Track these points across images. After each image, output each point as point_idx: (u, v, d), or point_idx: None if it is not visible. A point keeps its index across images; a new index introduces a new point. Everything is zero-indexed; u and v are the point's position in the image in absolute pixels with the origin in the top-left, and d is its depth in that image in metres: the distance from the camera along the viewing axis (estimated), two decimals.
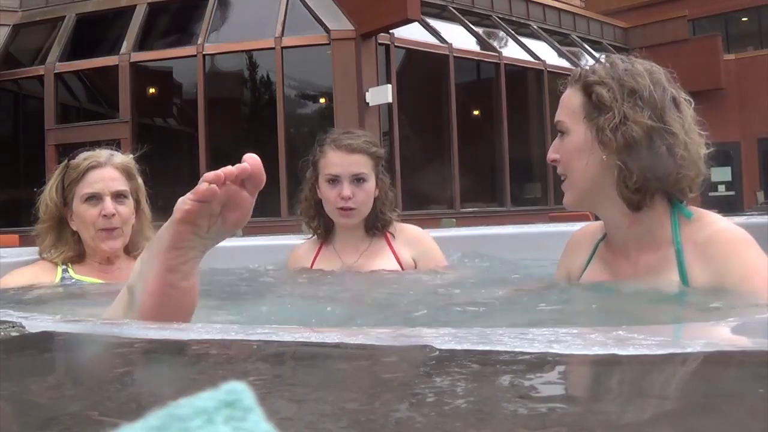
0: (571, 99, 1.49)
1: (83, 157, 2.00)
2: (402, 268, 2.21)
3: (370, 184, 2.17)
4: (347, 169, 2.14)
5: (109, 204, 1.95)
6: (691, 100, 1.47)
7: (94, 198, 1.96)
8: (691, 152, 1.40)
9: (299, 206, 2.30)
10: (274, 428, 0.35)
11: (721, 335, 0.84)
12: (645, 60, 1.49)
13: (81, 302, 1.85)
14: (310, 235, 2.33)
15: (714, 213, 1.49)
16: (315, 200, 2.23)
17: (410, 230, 2.32)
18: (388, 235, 2.26)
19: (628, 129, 1.37)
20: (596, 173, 1.43)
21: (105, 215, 1.95)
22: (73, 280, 1.99)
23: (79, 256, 2.03)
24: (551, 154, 1.52)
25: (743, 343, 0.80)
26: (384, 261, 2.21)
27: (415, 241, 2.29)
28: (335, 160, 2.15)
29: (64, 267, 2.01)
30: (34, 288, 1.91)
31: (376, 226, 2.23)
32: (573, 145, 1.45)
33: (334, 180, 2.15)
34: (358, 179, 2.15)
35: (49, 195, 2.01)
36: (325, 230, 2.26)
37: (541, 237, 2.48)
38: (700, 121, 1.46)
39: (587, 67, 1.50)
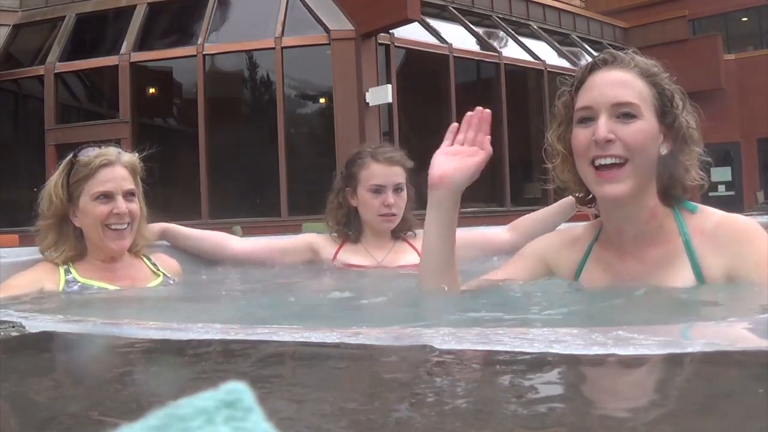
0: (638, 85, 1.43)
1: (94, 155, 1.98)
2: None
3: (406, 193, 2.44)
4: (390, 179, 2.38)
5: (121, 203, 1.95)
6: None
7: (105, 196, 1.95)
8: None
9: (330, 214, 2.50)
10: (274, 428, 0.35)
11: (722, 334, 0.84)
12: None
13: (88, 308, 1.84)
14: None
15: (714, 209, 1.50)
16: (349, 207, 2.45)
17: None
18: (409, 238, 2.50)
19: (688, 126, 1.43)
20: (653, 164, 1.44)
21: (117, 213, 1.95)
22: (79, 284, 1.96)
23: (80, 254, 2.01)
24: (607, 134, 1.37)
25: (745, 342, 0.80)
26: (408, 256, 2.42)
27: None
28: (379, 172, 2.39)
29: (66, 268, 1.98)
30: (40, 295, 1.89)
31: (402, 229, 2.48)
32: (648, 131, 1.41)
33: (378, 189, 2.38)
34: (398, 189, 2.40)
35: (54, 191, 1.98)
36: (357, 233, 2.47)
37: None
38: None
39: (628, 54, 1.48)
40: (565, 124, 1.51)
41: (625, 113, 1.40)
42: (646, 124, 1.41)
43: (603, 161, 1.40)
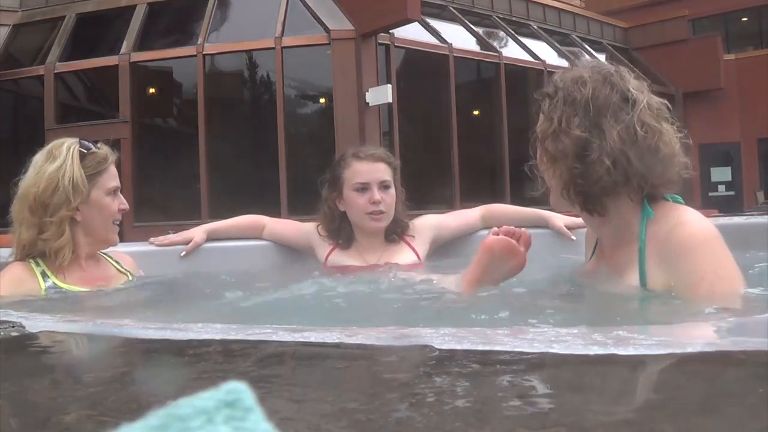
0: None
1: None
2: (420, 259, 2.39)
3: (393, 191, 2.36)
4: (375, 175, 2.32)
5: None
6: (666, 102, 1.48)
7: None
8: (631, 157, 1.38)
9: (320, 222, 2.44)
10: (274, 428, 0.35)
11: (718, 335, 0.84)
12: (604, 63, 1.51)
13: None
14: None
15: (685, 209, 1.44)
16: (338, 213, 2.39)
17: (421, 223, 2.51)
18: (407, 237, 2.42)
19: (560, 139, 1.40)
20: (557, 181, 1.46)
21: None
22: (55, 287, 1.92)
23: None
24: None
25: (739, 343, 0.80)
26: (403, 255, 2.37)
27: (427, 228, 2.48)
28: (363, 169, 2.32)
29: (41, 269, 1.96)
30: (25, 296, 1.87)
31: (395, 231, 2.40)
32: (542, 151, 1.48)
33: (363, 188, 2.31)
34: (384, 185, 2.33)
35: None
36: (347, 240, 2.40)
37: (539, 237, 2.47)
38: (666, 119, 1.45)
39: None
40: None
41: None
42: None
43: None
